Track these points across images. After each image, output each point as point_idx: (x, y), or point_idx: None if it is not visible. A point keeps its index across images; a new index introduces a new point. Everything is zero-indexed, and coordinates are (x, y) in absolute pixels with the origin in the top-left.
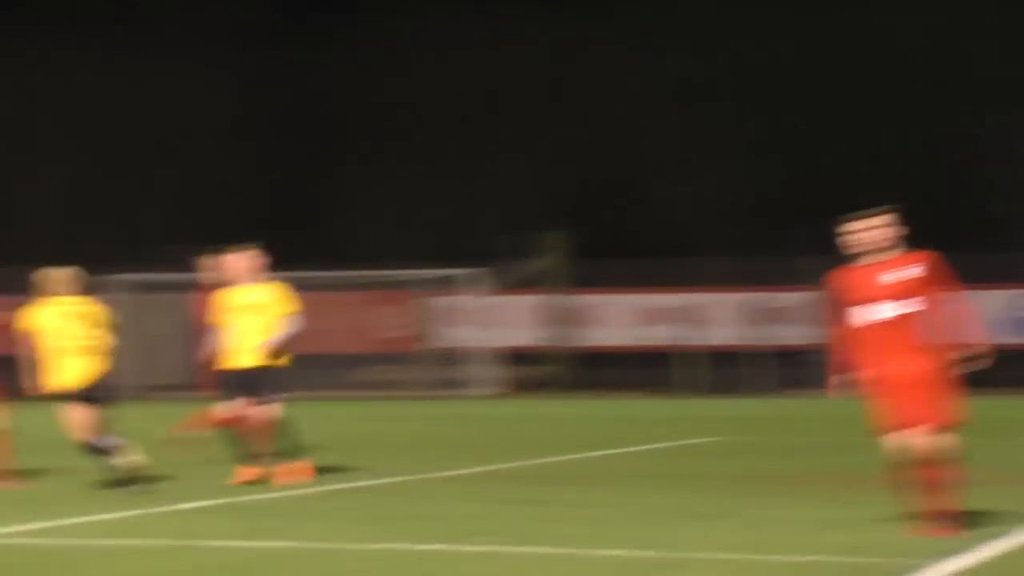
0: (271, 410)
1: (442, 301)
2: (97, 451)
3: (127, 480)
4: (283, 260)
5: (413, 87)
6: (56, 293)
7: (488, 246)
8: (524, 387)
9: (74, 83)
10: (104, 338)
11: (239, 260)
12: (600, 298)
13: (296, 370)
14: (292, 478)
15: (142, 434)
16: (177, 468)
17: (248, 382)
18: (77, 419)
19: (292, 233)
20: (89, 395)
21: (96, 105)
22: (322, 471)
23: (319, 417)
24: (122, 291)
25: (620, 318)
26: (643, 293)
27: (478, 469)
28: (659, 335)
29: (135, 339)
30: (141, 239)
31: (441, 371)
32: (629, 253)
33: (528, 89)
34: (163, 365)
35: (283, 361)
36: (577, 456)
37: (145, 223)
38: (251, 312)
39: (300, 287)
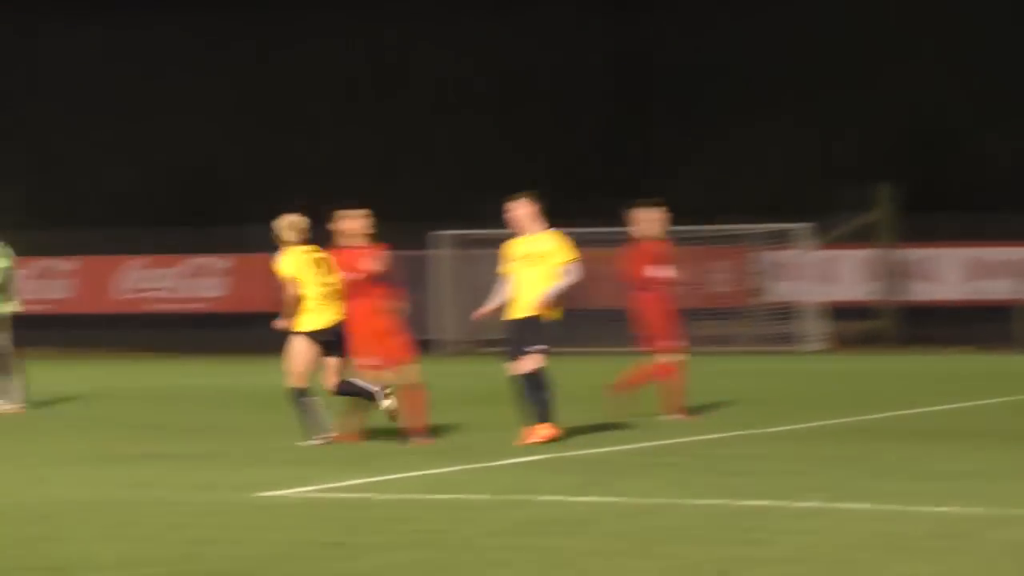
0: (529, 362)
1: (775, 256)
2: (353, 393)
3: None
4: (617, 218)
5: (734, 42)
6: (295, 241)
7: (819, 200)
8: (852, 342)
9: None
10: (338, 285)
11: (519, 207)
12: (930, 252)
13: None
14: (538, 438)
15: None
16: (503, 424)
17: (516, 332)
18: (317, 362)
19: (626, 188)
20: (330, 339)
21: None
22: (659, 426)
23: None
24: (446, 246)
25: (951, 272)
26: (976, 247)
27: (805, 425)
28: (996, 289)
29: (460, 293)
30: (463, 194)
31: (772, 326)
32: (959, 206)
33: (853, 41)
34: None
35: (555, 313)
36: (905, 412)
37: (469, 178)
38: (532, 261)
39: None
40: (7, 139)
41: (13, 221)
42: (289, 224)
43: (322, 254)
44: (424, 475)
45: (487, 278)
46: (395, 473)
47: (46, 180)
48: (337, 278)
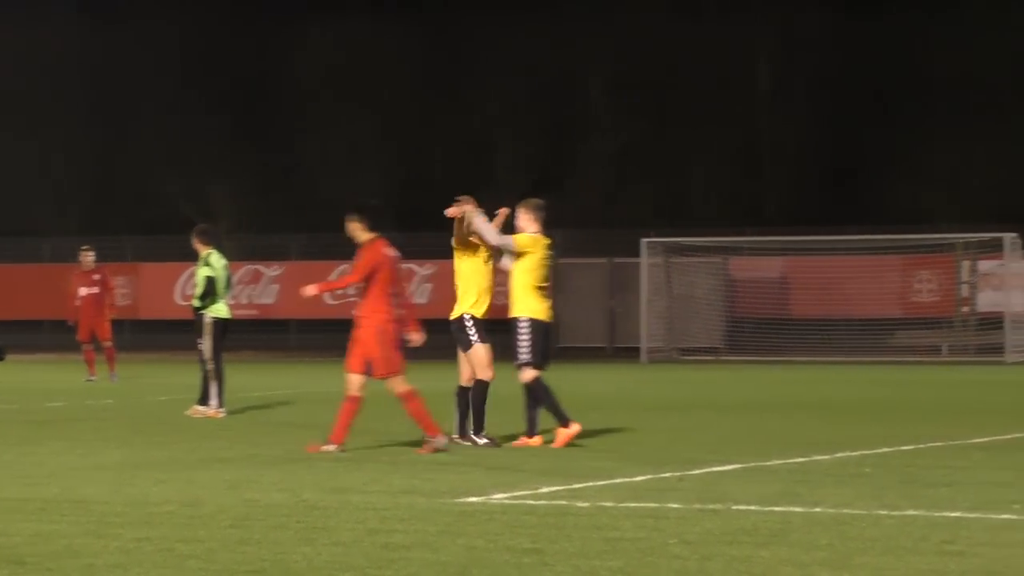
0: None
1: (984, 265)
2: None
3: None
4: (825, 223)
5: (962, 52)
6: None
7: None
8: None
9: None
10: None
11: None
12: None
13: (840, 333)
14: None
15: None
16: (698, 431)
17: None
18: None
19: (837, 195)
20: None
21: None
22: (857, 436)
23: (863, 382)
24: (658, 254)
25: None
26: None
27: (1006, 436)
28: None
29: (664, 301)
30: (680, 203)
31: (980, 336)
32: None
33: None
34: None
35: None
36: None
37: (683, 188)
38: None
39: (838, 250)
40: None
41: (229, 225)
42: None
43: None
44: (619, 483)
45: (689, 286)
46: (591, 481)
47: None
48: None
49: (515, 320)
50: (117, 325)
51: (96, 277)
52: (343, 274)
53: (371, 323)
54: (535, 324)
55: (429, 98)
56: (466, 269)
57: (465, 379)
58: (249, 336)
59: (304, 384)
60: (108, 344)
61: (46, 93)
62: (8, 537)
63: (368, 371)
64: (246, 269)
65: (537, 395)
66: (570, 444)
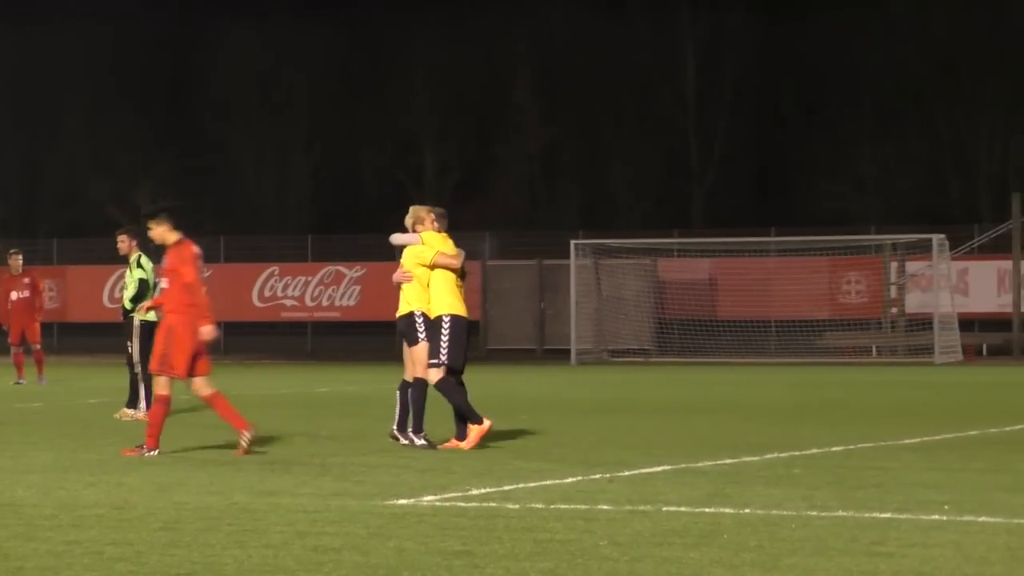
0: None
1: (912, 266)
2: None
3: None
4: (753, 225)
5: (886, 54)
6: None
7: (955, 211)
8: (987, 354)
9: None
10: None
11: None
12: None
13: (769, 334)
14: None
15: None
16: (628, 433)
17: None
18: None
19: (763, 196)
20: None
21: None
22: (786, 437)
23: (792, 383)
24: (587, 256)
25: None
26: None
27: (936, 437)
28: None
29: (592, 302)
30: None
31: (909, 337)
32: None
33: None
34: (624, 329)
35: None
36: None
37: (610, 189)
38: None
39: (766, 252)
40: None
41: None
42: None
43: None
44: (550, 485)
45: (618, 288)
46: (521, 483)
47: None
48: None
49: (438, 318)
50: (45, 328)
51: (26, 280)
52: (162, 287)
53: (168, 321)
54: (456, 321)
55: (354, 98)
56: (438, 277)
57: (409, 375)
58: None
59: (235, 388)
60: (37, 347)
61: None
62: None
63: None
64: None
65: (446, 395)
66: (484, 444)
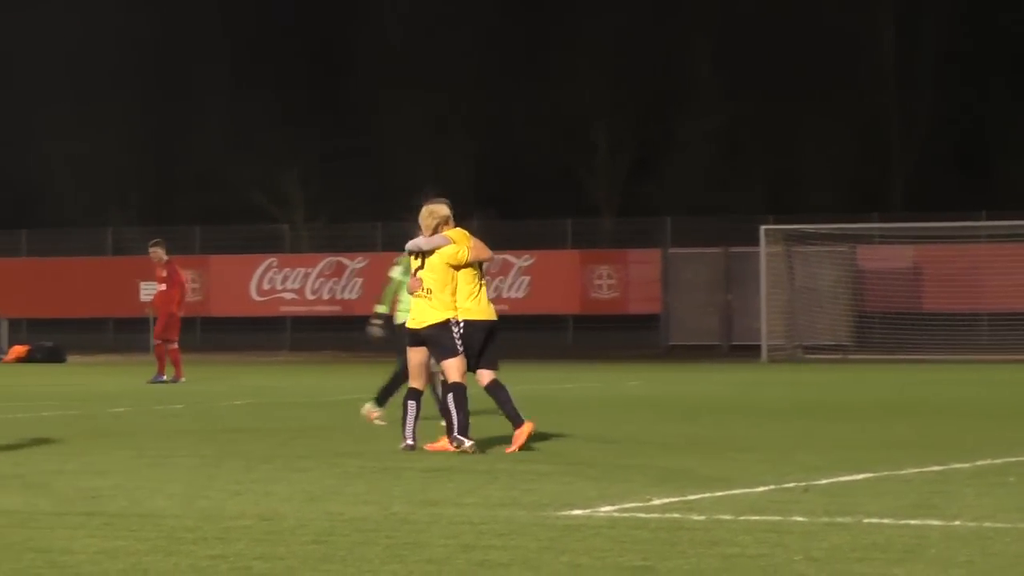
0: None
1: None
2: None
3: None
4: (959, 208)
5: None
6: None
7: None
8: None
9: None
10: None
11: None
12: None
13: (980, 328)
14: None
15: None
16: (825, 438)
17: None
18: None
19: (970, 177)
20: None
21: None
22: (999, 441)
23: (1006, 382)
24: (778, 243)
25: None
26: None
27: None
28: None
29: (790, 294)
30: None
31: None
32: None
33: None
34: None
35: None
36: None
37: (799, 170)
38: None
39: (977, 238)
40: None
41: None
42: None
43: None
44: (738, 494)
45: (812, 278)
46: (707, 492)
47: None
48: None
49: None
50: (187, 323)
51: (164, 274)
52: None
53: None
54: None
55: (513, 73)
56: (464, 277)
57: (419, 382)
58: (331, 334)
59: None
60: (174, 346)
61: (103, 78)
62: (71, 555)
63: None
64: (327, 262)
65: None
66: (674, 453)
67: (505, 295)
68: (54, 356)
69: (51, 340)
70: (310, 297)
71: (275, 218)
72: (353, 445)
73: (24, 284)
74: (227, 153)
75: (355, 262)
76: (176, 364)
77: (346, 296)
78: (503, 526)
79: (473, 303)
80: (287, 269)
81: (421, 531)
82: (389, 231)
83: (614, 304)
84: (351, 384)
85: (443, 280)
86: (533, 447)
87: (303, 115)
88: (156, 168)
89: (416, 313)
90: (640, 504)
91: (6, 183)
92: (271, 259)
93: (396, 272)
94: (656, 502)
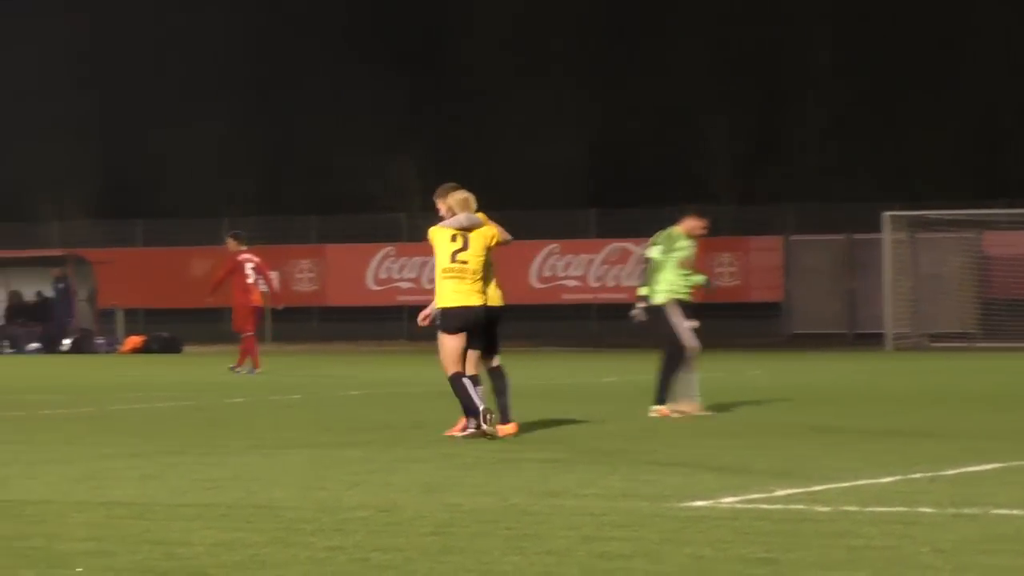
0: None
1: None
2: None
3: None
4: None
5: None
6: None
7: None
8: None
9: None
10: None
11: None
12: None
13: None
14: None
15: None
16: (955, 427)
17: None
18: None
19: None
20: None
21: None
22: None
23: None
24: (902, 229)
25: None
26: None
27: None
28: None
29: (915, 281)
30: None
31: None
32: None
33: None
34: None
35: None
36: None
37: (921, 155)
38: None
39: None
40: None
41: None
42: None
43: None
44: (863, 485)
45: (937, 264)
46: (831, 483)
47: None
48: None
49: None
50: (304, 313)
51: (251, 264)
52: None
53: None
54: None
55: (626, 58)
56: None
57: (472, 367)
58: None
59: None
60: (248, 334)
61: (215, 67)
62: (189, 547)
63: None
64: None
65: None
66: (797, 441)
67: (624, 283)
68: (170, 346)
69: (167, 331)
70: (427, 286)
71: (391, 207)
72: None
73: (140, 274)
74: (341, 142)
75: None
76: (244, 354)
77: None
78: (624, 517)
79: (495, 289)
80: (404, 258)
81: (541, 522)
82: (507, 218)
83: (735, 292)
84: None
85: (485, 262)
86: (654, 436)
87: (418, 102)
88: (269, 157)
89: (471, 296)
90: (763, 495)
91: (121, 174)
92: (388, 248)
93: (655, 252)
94: (779, 493)
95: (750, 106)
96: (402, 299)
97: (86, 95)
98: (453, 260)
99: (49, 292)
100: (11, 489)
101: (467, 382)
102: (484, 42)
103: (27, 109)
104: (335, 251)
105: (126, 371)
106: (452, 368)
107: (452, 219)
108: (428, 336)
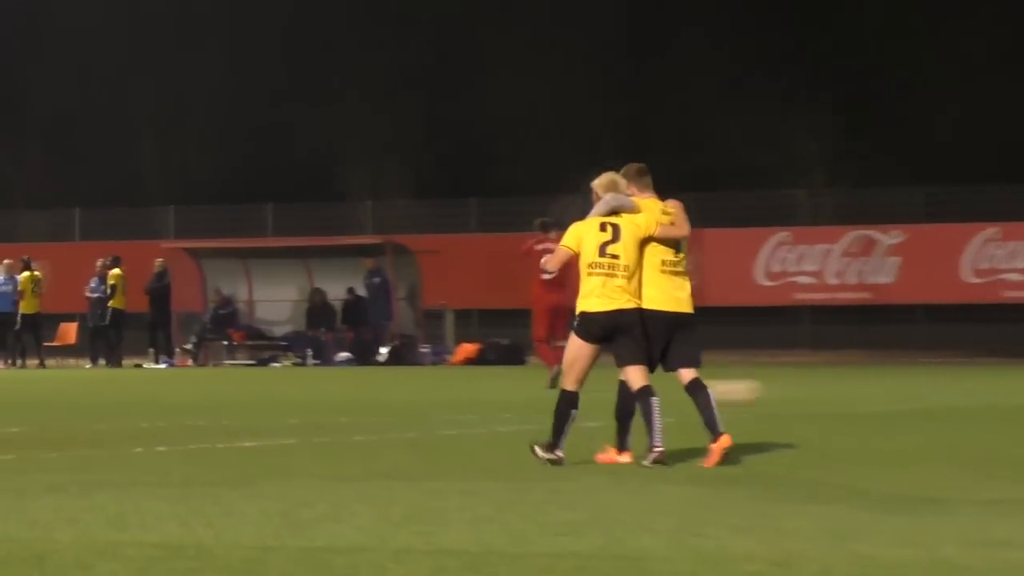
0: None
1: None
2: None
3: None
4: None
5: None
6: None
7: None
8: None
9: None
10: None
11: None
12: None
13: None
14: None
15: None
16: None
17: None
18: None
19: None
20: None
21: None
22: None
23: None
24: None
25: None
26: None
27: None
28: None
29: None
30: None
31: None
32: None
33: None
34: None
35: None
36: None
37: None
38: None
39: None
40: None
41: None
42: None
43: None
44: None
45: None
46: None
47: None
48: None
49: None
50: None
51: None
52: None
53: None
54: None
55: None
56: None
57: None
58: (858, 328)
59: (936, 396)
60: (558, 344)
61: (572, 26)
62: None
63: None
64: (853, 236)
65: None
66: None
67: (870, 280)
68: (511, 356)
69: (507, 337)
70: (832, 282)
71: (785, 183)
72: (881, 471)
73: (475, 267)
74: (720, 104)
75: (889, 236)
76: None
77: (877, 280)
78: (994, 565)
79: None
80: (803, 246)
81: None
82: (1001, 196)
83: None
84: (882, 393)
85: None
86: None
87: (816, 55)
88: (633, 124)
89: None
90: None
91: (453, 143)
92: (782, 233)
93: None
94: None
95: None
96: (800, 297)
97: (409, 47)
98: (602, 254)
99: (361, 289)
100: (316, 534)
101: (573, 413)
102: None
103: (336, 59)
104: (714, 237)
105: (457, 386)
106: (571, 385)
107: (596, 206)
108: (832, 344)
